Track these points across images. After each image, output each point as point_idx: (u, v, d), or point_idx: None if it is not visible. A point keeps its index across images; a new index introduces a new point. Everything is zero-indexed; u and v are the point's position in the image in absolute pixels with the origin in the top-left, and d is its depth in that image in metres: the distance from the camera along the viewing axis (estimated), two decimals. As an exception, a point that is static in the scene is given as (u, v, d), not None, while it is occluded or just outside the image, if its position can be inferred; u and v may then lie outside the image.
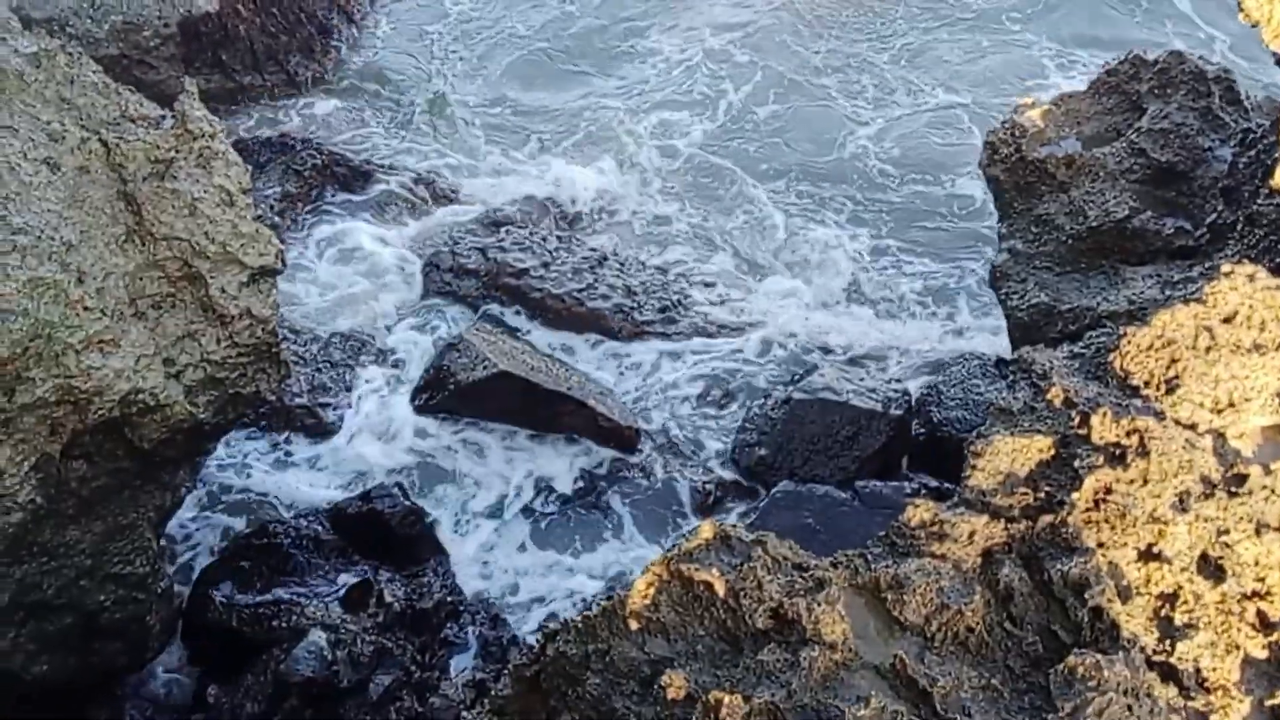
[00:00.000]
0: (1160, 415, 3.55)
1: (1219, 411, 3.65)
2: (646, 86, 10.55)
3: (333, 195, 8.69)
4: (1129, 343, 3.78)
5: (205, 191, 5.40)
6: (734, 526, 3.33)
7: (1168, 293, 6.17)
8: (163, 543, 5.92)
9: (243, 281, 5.44)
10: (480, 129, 9.98)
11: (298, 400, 6.67)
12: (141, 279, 5.30)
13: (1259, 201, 5.81)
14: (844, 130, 10.05)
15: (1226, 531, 3.41)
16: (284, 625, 5.44)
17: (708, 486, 6.84)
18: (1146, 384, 3.71)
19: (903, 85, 10.60)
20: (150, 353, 5.24)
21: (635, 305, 8.04)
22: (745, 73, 10.71)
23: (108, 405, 5.07)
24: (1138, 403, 3.63)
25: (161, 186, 5.30)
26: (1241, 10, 5.65)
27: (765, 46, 10.98)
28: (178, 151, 5.39)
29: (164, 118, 5.65)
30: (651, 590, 3.18)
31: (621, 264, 8.43)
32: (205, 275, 5.35)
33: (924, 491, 6.46)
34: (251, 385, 5.57)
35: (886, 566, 3.27)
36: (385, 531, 5.99)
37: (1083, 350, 3.96)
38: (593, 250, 8.49)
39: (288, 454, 6.54)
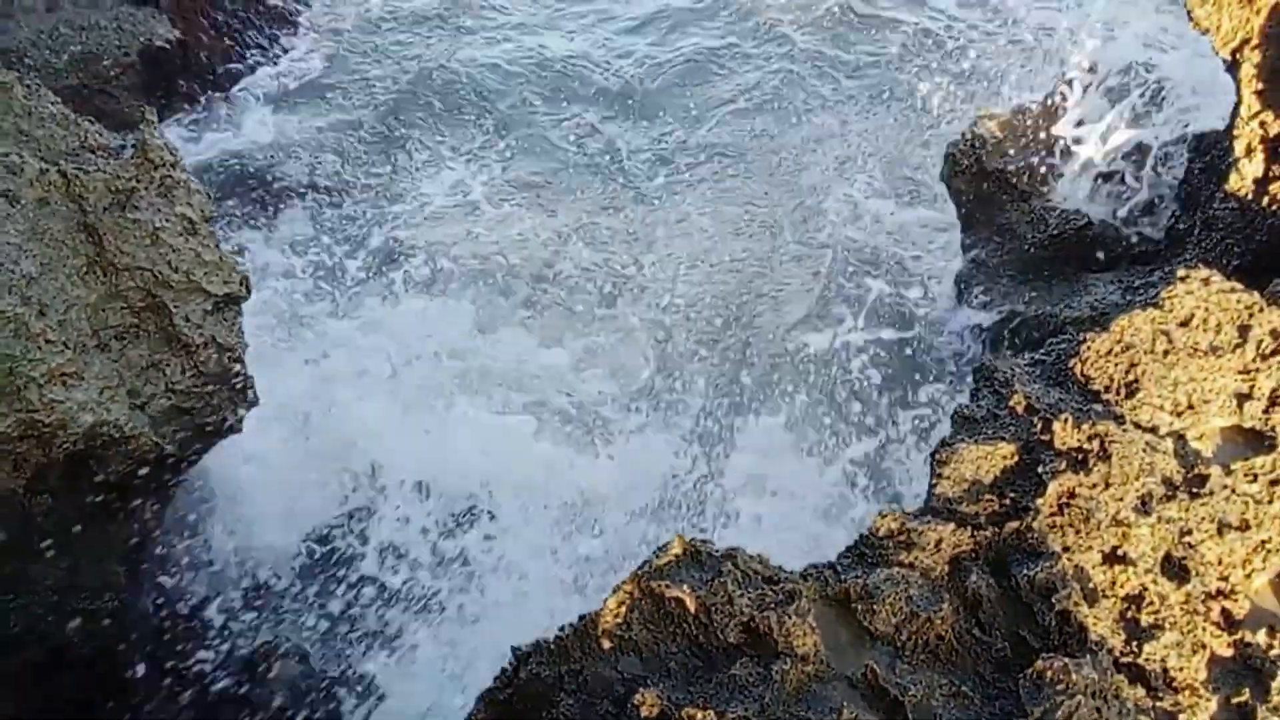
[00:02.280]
0: (1121, 419, 3.59)
1: (1179, 414, 3.70)
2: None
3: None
4: (1089, 349, 3.82)
5: (167, 220, 5.36)
6: (704, 541, 3.34)
7: (1129, 297, 6.26)
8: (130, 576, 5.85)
9: (207, 310, 5.41)
10: (441, 127, 9.97)
11: (267, 428, 6.61)
12: (104, 310, 5.26)
13: (1214, 206, 5.91)
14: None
15: (1189, 532, 3.46)
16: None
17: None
18: (1107, 389, 3.75)
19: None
20: (114, 384, 5.19)
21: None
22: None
23: (72, 438, 5.02)
24: (1098, 408, 3.67)
25: (123, 217, 5.27)
26: (1191, 19, 5.76)
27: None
28: (138, 181, 5.35)
29: (124, 147, 5.62)
30: (623, 609, 3.17)
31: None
32: (169, 305, 5.31)
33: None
34: (219, 415, 5.53)
35: (856, 577, 3.28)
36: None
37: (1044, 357, 4.00)
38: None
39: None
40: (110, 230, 5.24)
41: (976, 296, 7.05)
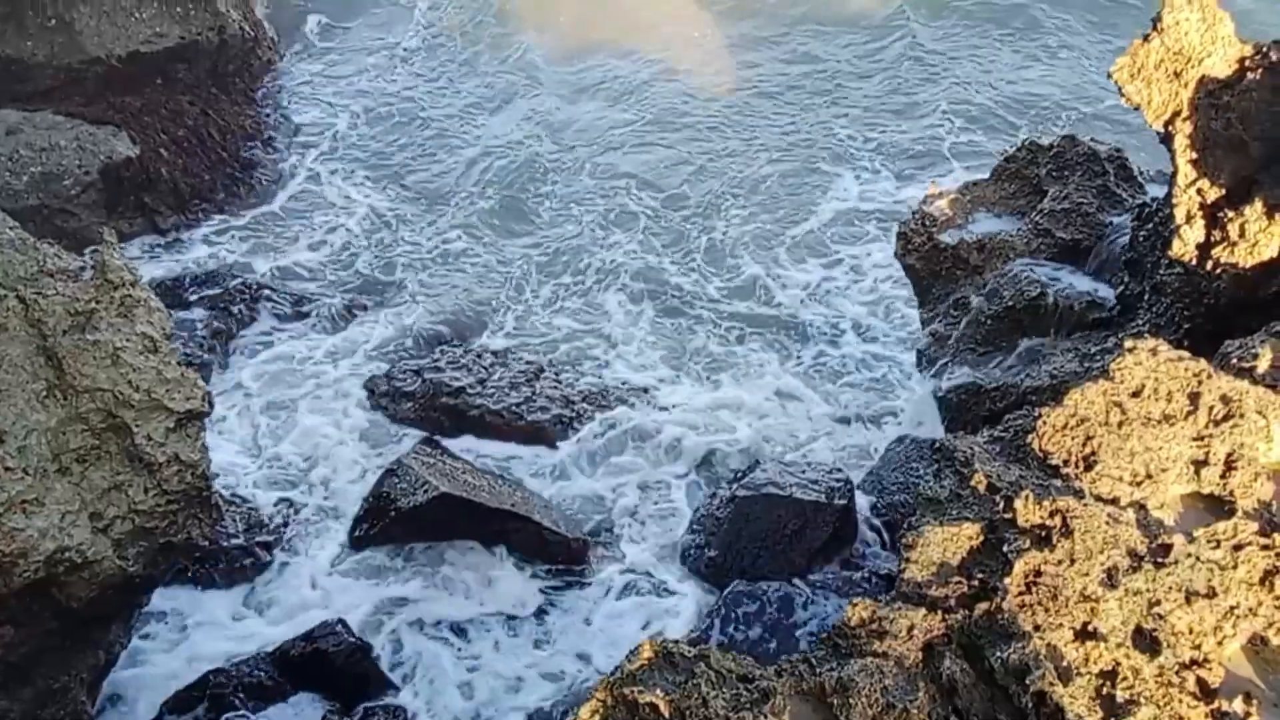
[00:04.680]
0: (1081, 493, 3.63)
1: (1138, 484, 3.74)
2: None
3: (263, 327, 8.67)
4: (1045, 424, 3.88)
5: (128, 340, 5.36)
6: (675, 643, 3.31)
7: (1086, 365, 6.36)
8: (98, 703, 5.70)
9: (169, 427, 5.37)
10: (405, 253, 10.06)
11: (234, 541, 6.53)
12: (65, 433, 5.22)
13: (1161, 272, 6.04)
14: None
15: (1158, 603, 3.47)
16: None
17: (660, 592, 6.78)
18: (1066, 463, 3.80)
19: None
20: (76, 508, 5.13)
21: (575, 415, 8.06)
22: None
23: (33, 567, 4.93)
24: (1058, 483, 3.71)
25: (82, 339, 5.26)
26: (1122, 95, 5.97)
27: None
28: (98, 302, 5.37)
29: (83, 269, 5.64)
30: (596, 717, 3.13)
31: (558, 375, 8.48)
32: (130, 424, 5.28)
33: (873, 579, 6.48)
34: (183, 532, 5.46)
35: (830, 670, 3.26)
36: (331, 671, 5.82)
37: (1002, 434, 4.05)
38: (529, 363, 8.53)
39: (226, 598, 6.37)
40: (70, 353, 5.22)
41: (938, 370, 7.13)
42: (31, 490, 4.98)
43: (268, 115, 11.42)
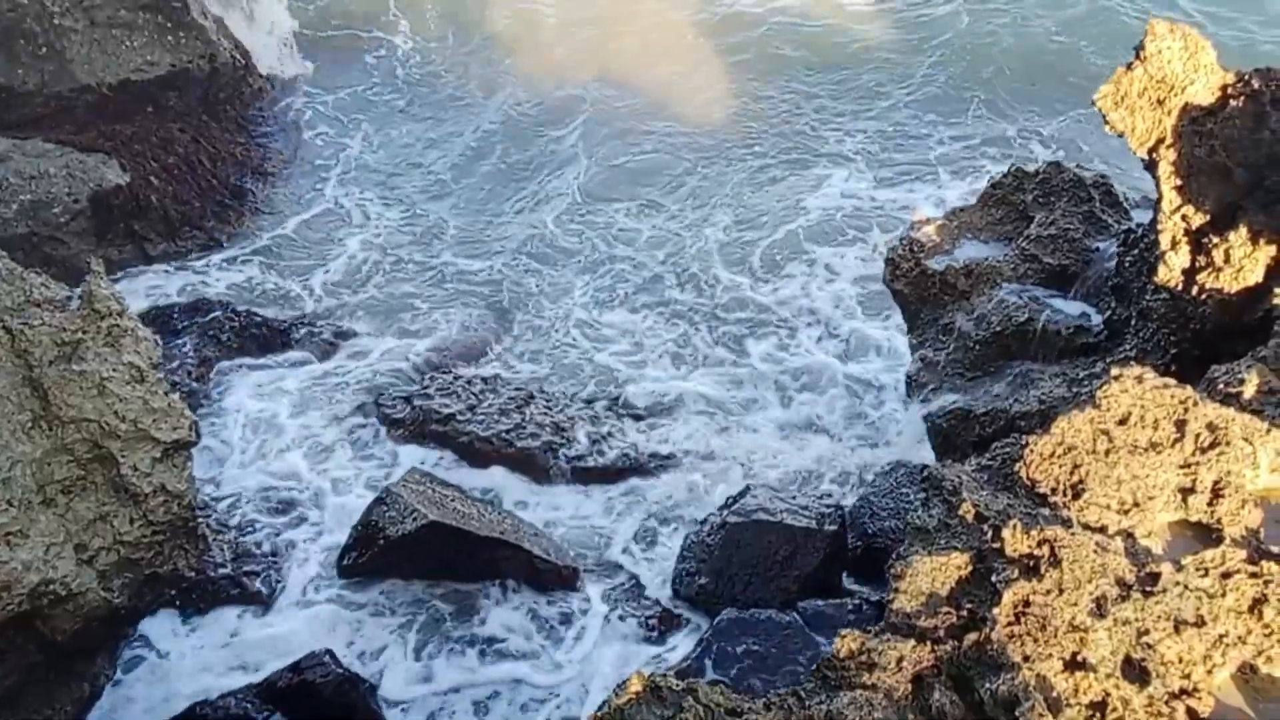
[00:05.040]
0: (1068, 522, 3.62)
1: (1125, 512, 3.73)
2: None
3: (252, 355, 8.65)
4: (1032, 452, 3.88)
5: (114, 370, 5.34)
6: (664, 676, 3.29)
7: (1074, 390, 6.38)
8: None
9: (155, 457, 5.35)
10: (395, 280, 10.06)
11: (221, 570, 6.49)
12: (50, 464, 5.19)
13: (1147, 298, 6.07)
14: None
15: (1146, 632, 3.46)
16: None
17: (651, 621, 6.74)
18: (1053, 491, 3.79)
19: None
20: (60, 540, 5.10)
21: (565, 441, 8.04)
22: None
23: (17, 599, 4.90)
24: (1046, 511, 3.70)
25: (68, 369, 5.24)
26: (1107, 122, 6.01)
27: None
28: (85, 332, 5.35)
29: (70, 298, 5.63)
30: (583, 751, 3.10)
31: (549, 401, 8.46)
32: (116, 455, 5.26)
33: (865, 607, 6.45)
34: (169, 563, 5.43)
35: (820, 703, 3.24)
36: (319, 703, 5.77)
37: (990, 462, 4.05)
38: (519, 389, 8.52)
39: (213, 628, 6.31)
40: (56, 384, 5.21)
41: (928, 395, 7.14)
42: (16, 522, 4.95)
43: (259, 143, 11.44)
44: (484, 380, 8.60)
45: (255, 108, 11.77)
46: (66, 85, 10.39)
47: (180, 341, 8.52)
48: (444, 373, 8.67)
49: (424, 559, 6.77)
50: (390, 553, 6.67)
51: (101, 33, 10.56)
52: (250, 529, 6.89)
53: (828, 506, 7.12)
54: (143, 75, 10.72)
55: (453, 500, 7.05)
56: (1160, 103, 5.84)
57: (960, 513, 3.73)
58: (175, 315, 9.00)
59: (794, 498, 7.24)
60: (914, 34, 13.77)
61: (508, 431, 8.00)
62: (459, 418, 8.06)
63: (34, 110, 10.23)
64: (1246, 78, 5.79)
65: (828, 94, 12.78)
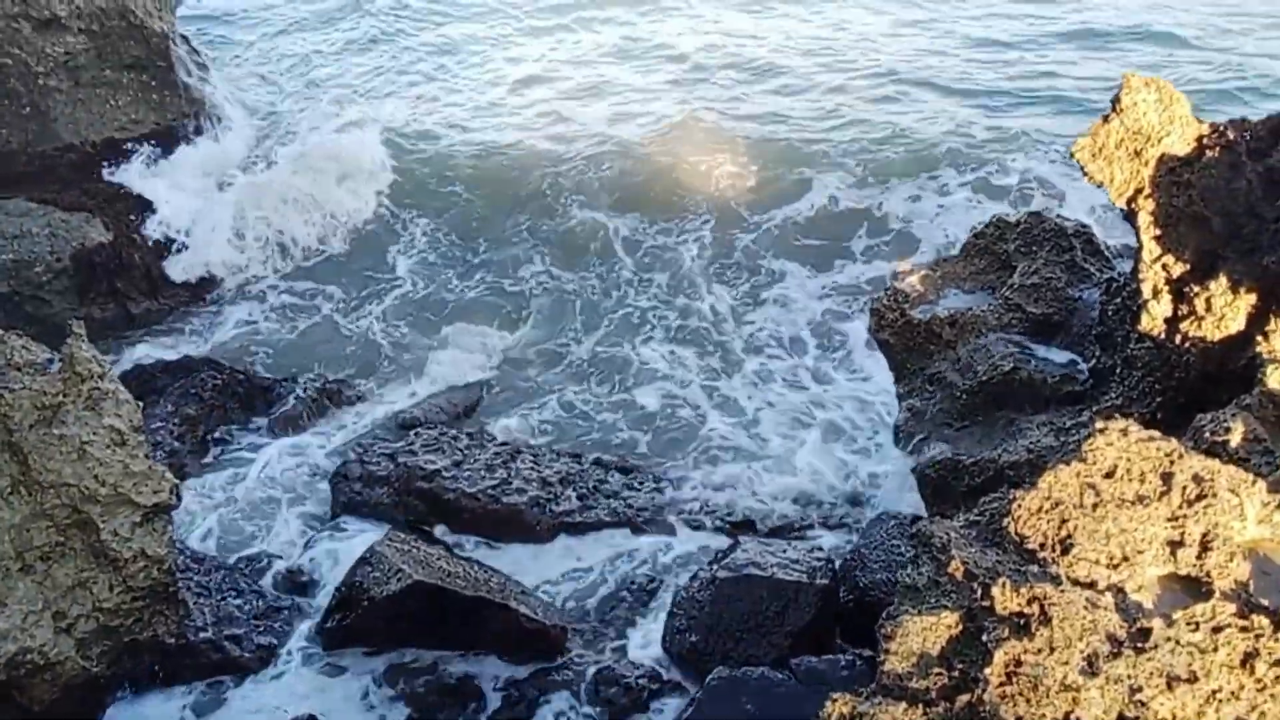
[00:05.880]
0: (1058, 578, 3.59)
1: (1114, 566, 3.71)
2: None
3: (235, 414, 8.59)
4: (1019, 507, 3.85)
5: (95, 433, 5.30)
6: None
7: (1062, 439, 6.37)
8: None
9: (135, 522, 5.29)
10: (380, 329, 10.05)
11: (202, 635, 6.36)
12: (29, 530, 5.13)
13: (1131, 346, 6.10)
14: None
15: (1139, 689, 3.41)
16: None
17: (641, 681, 6.64)
18: (1042, 547, 3.77)
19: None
20: (39, 608, 5.02)
21: (552, 497, 7.98)
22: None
23: (-8, 670, 4.80)
24: (1035, 568, 3.67)
25: (49, 433, 5.20)
26: (1085, 173, 6.08)
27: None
28: (65, 395, 5.31)
29: (51, 360, 5.59)
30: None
31: (535, 456, 8.41)
32: (96, 520, 5.19)
33: (858, 663, 6.37)
34: (149, 630, 5.34)
35: (811, 768, 3.18)
36: (301, 773, 5.65)
37: (978, 517, 4.03)
38: (504, 444, 8.47)
39: (192, 695, 6.18)
40: (36, 448, 5.16)
41: (916, 445, 7.13)
42: (-8, 590, 4.88)
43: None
44: (470, 435, 8.54)
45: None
46: (50, 144, 10.45)
47: (162, 401, 8.45)
48: (429, 427, 8.62)
49: (409, 620, 6.66)
50: (375, 614, 6.57)
51: (86, 92, 10.64)
52: (233, 593, 6.77)
53: (818, 559, 7.06)
54: (127, 134, 10.78)
55: (438, 559, 6.96)
56: (1137, 154, 5.91)
57: (950, 570, 3.70)
58: (157, 374, 8.94)
59: (784, 550, 7.17)
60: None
61: (494, 487, 7.94)
62: (444, 474, 8.00)
63: (17, 169, 10.27)
64: (1221, 129, 5.88)
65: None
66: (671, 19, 16.50)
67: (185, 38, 11.93)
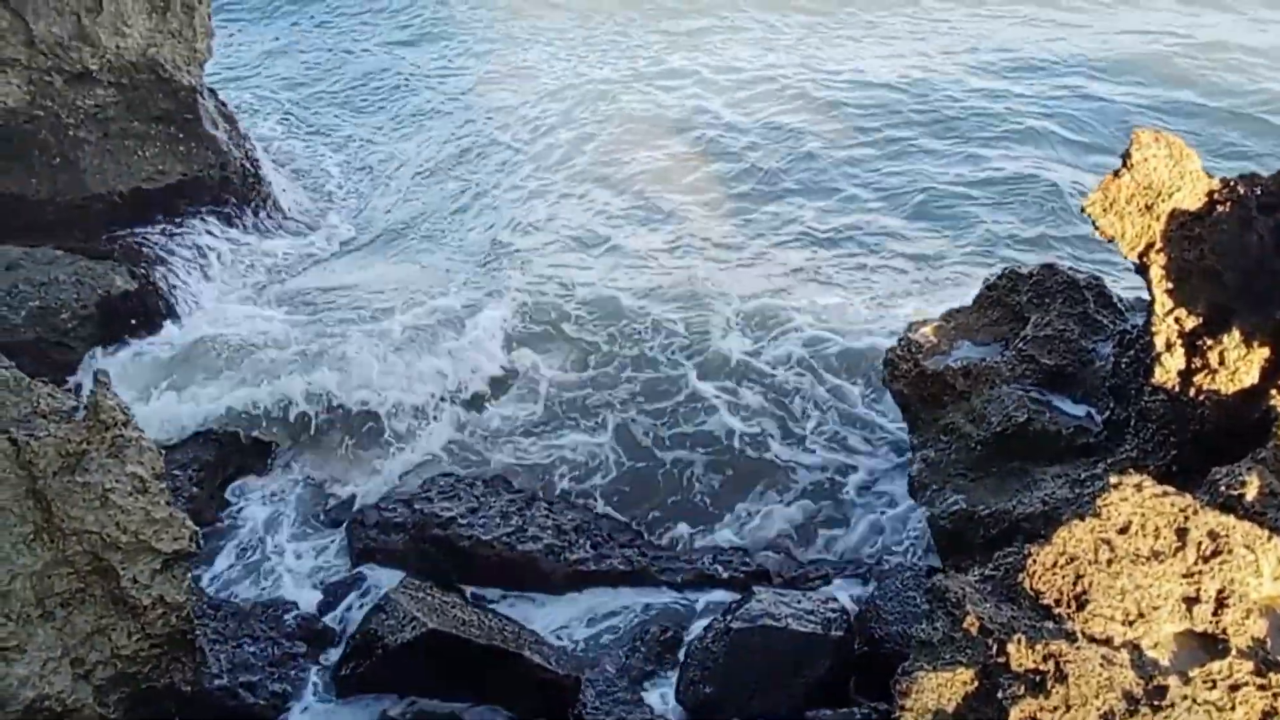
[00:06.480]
0: (1073, 635, 3.60)
1: (1130, 623, 3.71)
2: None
3: (252, 460, 8.65)
4: (1034, 562, 3.87)
5: (117, 481, 5.37)
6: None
7: (1077, 491, 6.37)
8: None
9: (155, 569, 5.34)
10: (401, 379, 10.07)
11: (217, 682, 6.37)
12: (50, 577, 5.18)
13: (1145, 399, 6.11)
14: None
15: (1157, 749, 3.41)
16: None
17: (655, 733, 6.62)
18: (1057, 602, 3.78)
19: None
20: (58, 654, 5.06)
21: (566, 544, 7.99)
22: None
23: (12, 716, 4.84)
24: (1050, 625, 3.68)
25: (72, 480, 5.27)
26: (1096, 229, 6.14)
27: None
28: (89, 443, 5.39)
29: (76, 408, 5.68)
30: None
31: (550, 504, 8.44)
32: (116, 566, 5.25)
33: (873, 716, 6.33)
34: (166, 677, 5.38)
35: (825, 825, 3.17)
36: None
37: (994, 572, 4.03)
38: (519, 492, 8.50)
39: (208, 745, 6.20)
40: (59, 495, 5.23)
41: (931, 497, 7.12)
42: (14, 637, 4.92)
43: (269, 248, 11.61)
44: (485, 482, 8.58)
45: (265, 213, 11.99)
46: (79, 194, 10.63)
47: (182, 447, 8.53)
48: (445, 475, 8.67)
49: (424, 668, 6.66)
50: (389, 662, 6.58)
51: (115, 143, 10.85)
52: (248, 639, 6.79)
53: (833, 611, 7.03)
54: (154, 184, 10.97)
55: (453, 607, 6.98)
56: (1148, 208, 5.97)
57: (965, 626, 3.70)
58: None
59: (799, 601, 7.15)
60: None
61: (509, 535, 7.96)
62: (460, 520, 8.03)
63: (46, 218, 10.44)
64: (1232, 184, 5.94)
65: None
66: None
67: (213, 91, 12.18)
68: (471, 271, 11.42)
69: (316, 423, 9.06)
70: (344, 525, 8.05)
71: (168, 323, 9.91)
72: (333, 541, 7.94)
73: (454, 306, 10.49)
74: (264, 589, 7.47)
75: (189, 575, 5.53)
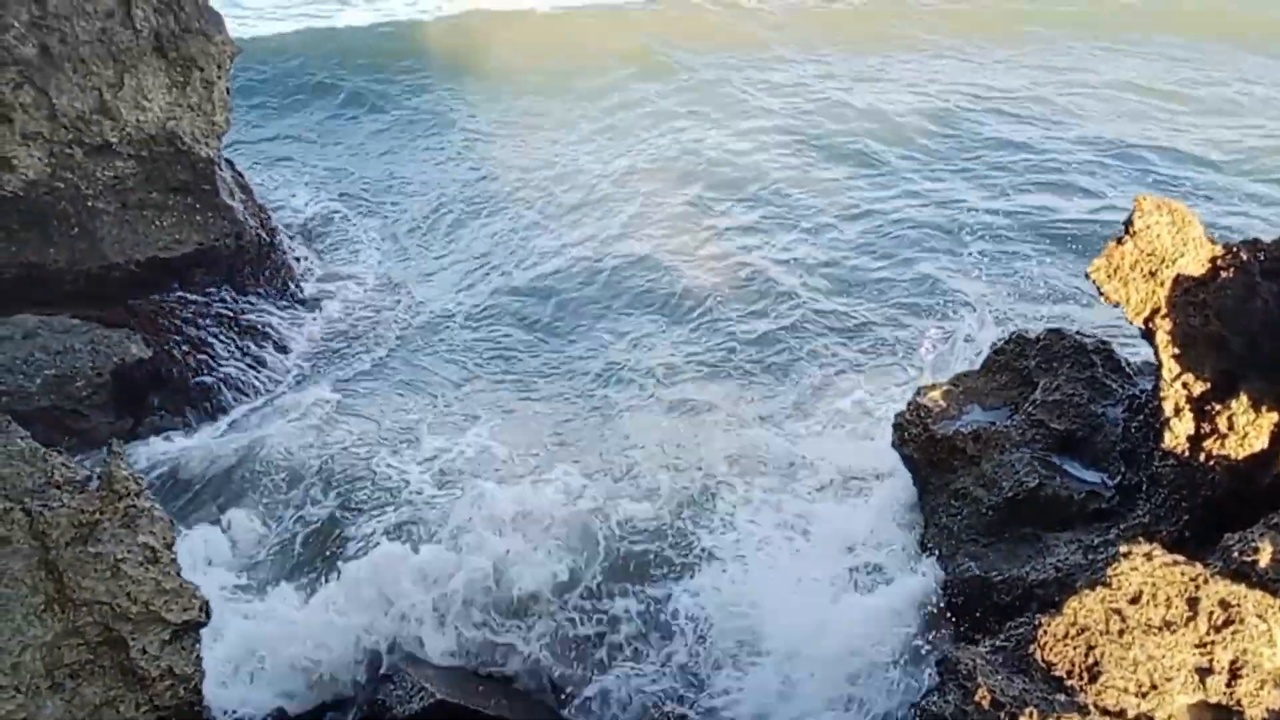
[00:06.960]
0: (1085, 709, 3.56)
1: (1143, 695, 3.67)
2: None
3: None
4: (1045, 633, 3.84)
5: (129, 551, 5.39)
6: None
7: (1089, 557, 6.31)
8: None
9: (165, 640, 5.34)
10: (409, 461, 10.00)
11: (227, 759, 6.35)
12: (60, 648, 5.18)
13: (1156, 464, 6.09)
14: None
15: (1175, 825, 3.36)
16: None
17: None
18: (1069, 674, 3.74)
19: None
20: (65, 728, 5.03)
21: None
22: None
23: (18, 790, 4.80)
24: (1062, 697, 3.65)
25: (84, 551, 5.29)
26: (1102, 294, 6.17)
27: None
28: (102, 514, 5.42)
29: (90, 478, 5.72)
30: None
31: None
32: (126, 637, 5.25)
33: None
34: (173, 750, 5.33)
35: None
36: None
37: (1005, 643, 4.01)
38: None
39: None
40: (71, 566, 5.25)
41: (942, 561, 7.07)
42: (22, 710, 4.91)
43: (282, 317, 11.74)
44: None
45: (279, 282, 12.15)
46: (96, 263, 10.79)
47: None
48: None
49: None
50: (398, 733, 6.52)
51: (133, 213, 11.05)
52: (256, 711, 6.74)
53: None
54: (170, 253, 11.15)
55: (461, 677, 6.93)
56: (1152, 274, 6.01)
57: (976, 699, 3.67)
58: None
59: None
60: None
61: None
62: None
63: (64, 287, 10.60)
64: (1235, 249, 5.98)
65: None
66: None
67: (230, 162, 12.42)
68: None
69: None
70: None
71: (188, 409, 9.98)
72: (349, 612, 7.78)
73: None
74: (272, 659, 7.38)
75: (198, 645, 5.51)
